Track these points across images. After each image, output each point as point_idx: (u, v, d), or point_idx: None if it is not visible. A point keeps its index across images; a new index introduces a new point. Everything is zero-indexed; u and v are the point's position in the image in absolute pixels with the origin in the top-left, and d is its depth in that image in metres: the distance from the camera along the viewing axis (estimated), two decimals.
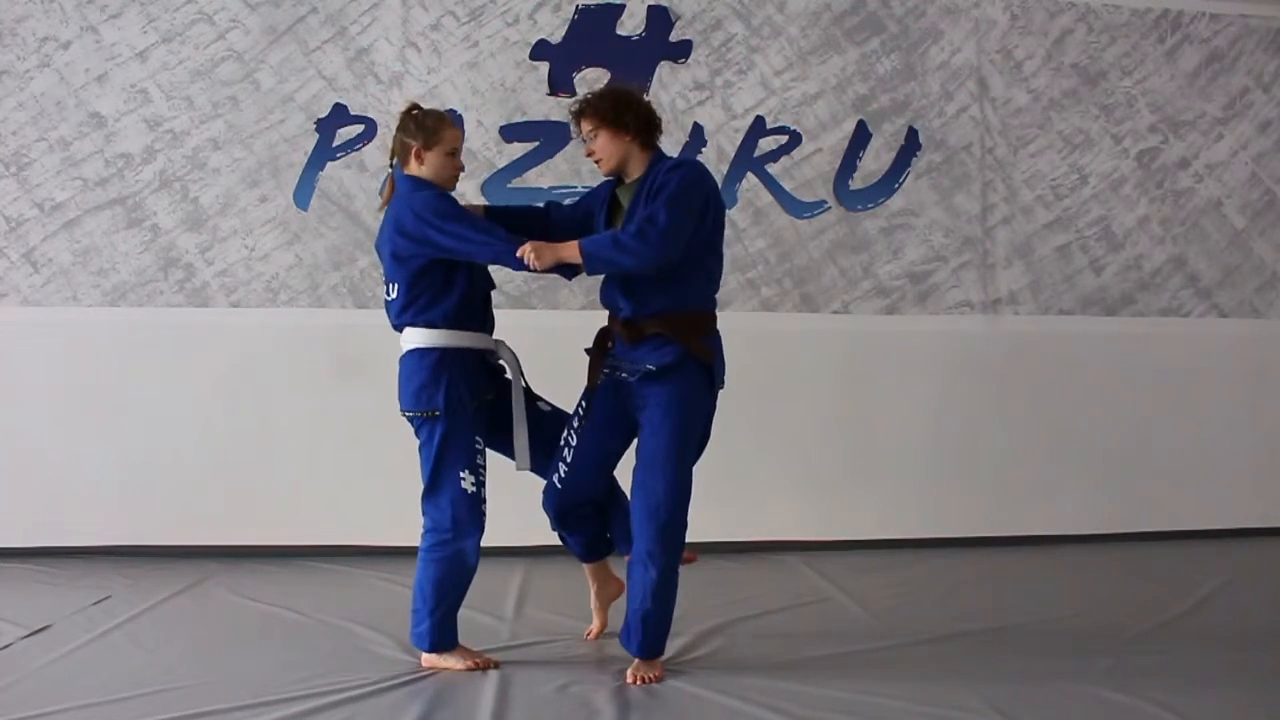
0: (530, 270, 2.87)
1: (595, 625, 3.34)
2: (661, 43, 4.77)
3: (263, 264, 4.56)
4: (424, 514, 3.00)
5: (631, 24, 4.75)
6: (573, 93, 4.59)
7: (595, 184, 3.20)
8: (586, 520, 3.15)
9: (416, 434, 3.00)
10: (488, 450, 3.04)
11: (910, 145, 4.92)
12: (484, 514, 2.99)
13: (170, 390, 4.47)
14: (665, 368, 2.90)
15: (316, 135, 4.58)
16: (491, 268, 3.07)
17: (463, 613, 3.05)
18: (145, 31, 4.52)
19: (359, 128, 4.60)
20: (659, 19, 4.76)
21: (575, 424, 3.06)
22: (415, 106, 3.08)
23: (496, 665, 3.01)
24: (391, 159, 3.09)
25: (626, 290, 2.95)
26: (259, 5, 4.57)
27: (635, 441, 2.98)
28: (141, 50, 4.52)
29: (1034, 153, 5.02)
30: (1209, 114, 5.17)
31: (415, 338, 2.98)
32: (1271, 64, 5.23)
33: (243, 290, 4.55)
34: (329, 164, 4.60)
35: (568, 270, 2.93)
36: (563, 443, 3.07)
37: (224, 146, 4.55)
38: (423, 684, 2.88)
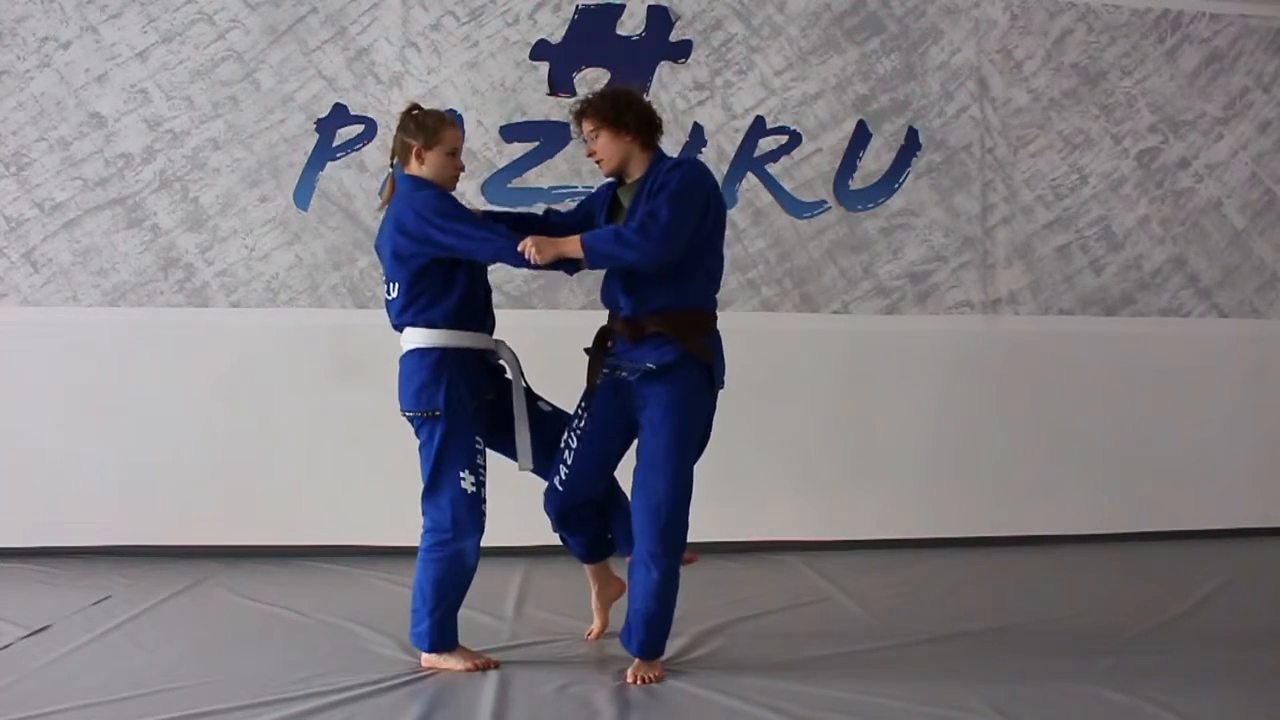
0: (531, 266, 2.87)
1: (596, 625, 3.34)
2: (661, 43, 4.77)
3: (263, 264, 4.56)
4: (424, 514, 3.00)
5: (631, 24, 4.75)
6: (573, 93, 4.59)
7: (596, 184, 3.21)
8: (587, 521, 3.15)
9: (416, 434, 3.00)
10: (488, 450, 3.04)
11: (910, 145, 4.92)
12: (484, 514, 2.99)
13: (170, 390, 4.47)
14: (665, 367, 2.90)
15: (316, 135, 4.58)
16: (490, 268, 3.07)
17: (463, 613, 3.05)
18: (145, 31, 4.52)
19: (359, 128, 4.60)
20: (659, 19, 4.75)
21: (575, 426, 3.06)
22: (416, 106, 3.08)
23: (496, 665, 3.01)
24: (392, 159, 3.09)
25: (627, 288, 2.95)
26: (259, 5, 4.57)
27: (635, 442, 2.99)
28: (141, 50, 4.52)
29: (1034, 153, 5.02)
30: (1209, 114, 5.17)
31: (415, 337, 2.98)
32: (1271, 64, 5.23)
33: (243, 290, 4.55)
34: (329, 164, 4.60)
35: (569, 265, 2.93)
36: (563, 445, 3.07)
37: (224, 146, 4.55)
38: (423, 684, 2.88)
